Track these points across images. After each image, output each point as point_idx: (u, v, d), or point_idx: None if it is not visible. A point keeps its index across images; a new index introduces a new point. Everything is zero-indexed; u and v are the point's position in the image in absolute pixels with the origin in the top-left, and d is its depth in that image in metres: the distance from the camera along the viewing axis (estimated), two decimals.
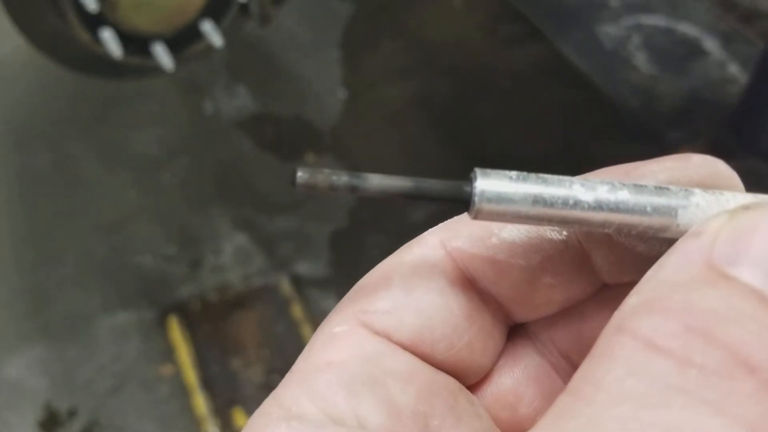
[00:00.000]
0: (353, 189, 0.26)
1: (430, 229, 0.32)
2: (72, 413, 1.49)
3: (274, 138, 1.98)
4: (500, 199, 0.26)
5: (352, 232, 1.76)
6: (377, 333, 0.30)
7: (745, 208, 0.25)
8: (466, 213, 0.27)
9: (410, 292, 0.30)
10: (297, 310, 1.62)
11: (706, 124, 1.95)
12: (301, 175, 0.26)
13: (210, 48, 1.49)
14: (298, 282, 1.67)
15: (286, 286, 1.66)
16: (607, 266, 0.31)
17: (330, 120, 2.01)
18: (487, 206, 0.26)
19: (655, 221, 0.27)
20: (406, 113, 2.03)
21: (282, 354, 1.57)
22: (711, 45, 2.11)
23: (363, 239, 1.75)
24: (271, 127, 2.00)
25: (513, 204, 0.26)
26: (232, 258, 1.71)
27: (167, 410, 1.50)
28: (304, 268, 1.70)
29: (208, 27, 1.46)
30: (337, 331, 0.30)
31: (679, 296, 0.23)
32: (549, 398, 0.33)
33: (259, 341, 1.58)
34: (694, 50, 2.11)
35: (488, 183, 0.26)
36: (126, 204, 1.80)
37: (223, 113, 2.01)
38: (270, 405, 0.28)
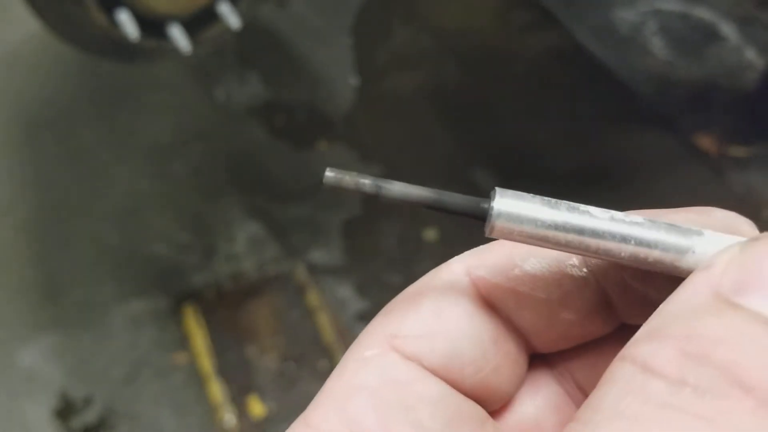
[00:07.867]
0: (377, 193, 0.28)
1: (456, 257, 0.33)
2: (87, 401, 1.50)
3: (286, 126, 1.97)
4: (515, 218, 0.27)
5: (366, 220, 1.76)
6: (408, 357, 0.30)
7: (755, 239, 0.25)
8: (491, 243, 0.29)
9: (440, 316, 0.31)
10: (311, 298, 1.63)
11: (721, 111, 1.93)
12: (329, 174, 0.28)
13: (227, 30, 1.48)
14: (312, 270, 1.67)
15: (300, 274, 1.67)
16: (623, 307, 0.31)
17: (342, 107, 2.00)
18: (501, 224, 0.27)
19: (667, 254, 0.27)
20: (419, 101, 2.02)
21: (297, 341, 1.57)
22: (728, 30, 2.09)
23: (377, 227, 1.75)
24: (283, 114, 2.00)
25: (527, 224, 0.27)
26: (245, 246, 1.71)
27: (182, 398, 1.50)
28: (318, 256, 1.70)
29: (225, 8, 1.46)
30: (368, 355, 0.31)
31: (680, 324, 0.24)
32: None
33: (274, 329, 1.59)
34: (710, 36, 2.09)
35: (505, 202, 0.27)
36: (138, 192, 1.81)
37: (235, 101, 2.01)
38: (300, 426, 0.29)
